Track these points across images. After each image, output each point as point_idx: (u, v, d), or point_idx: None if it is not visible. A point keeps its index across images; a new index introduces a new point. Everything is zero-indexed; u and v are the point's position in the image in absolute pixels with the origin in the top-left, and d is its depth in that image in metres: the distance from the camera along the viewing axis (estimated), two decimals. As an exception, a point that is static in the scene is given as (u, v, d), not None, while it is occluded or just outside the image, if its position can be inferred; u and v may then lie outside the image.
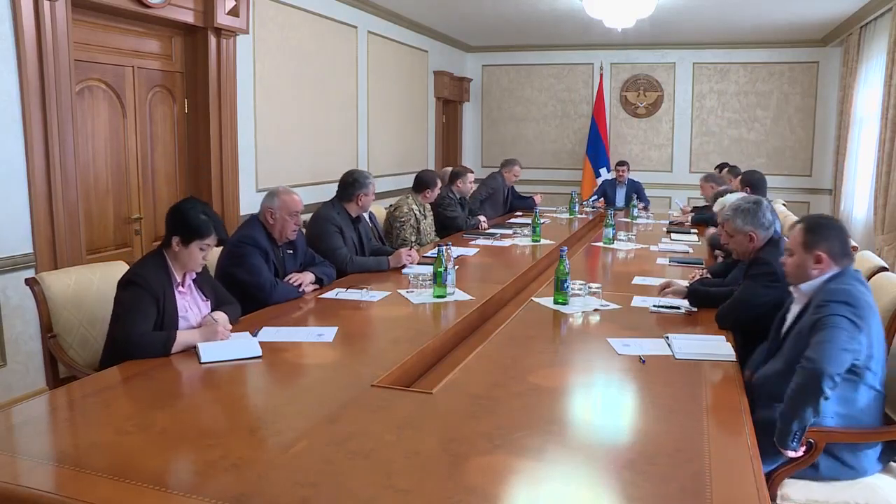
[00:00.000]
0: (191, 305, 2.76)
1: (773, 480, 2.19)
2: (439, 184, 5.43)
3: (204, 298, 2.84)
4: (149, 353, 2.45)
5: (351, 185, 4.27)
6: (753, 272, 3.05)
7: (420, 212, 5.44)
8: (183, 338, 2.53)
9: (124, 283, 2.63)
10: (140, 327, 2.50)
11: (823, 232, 2.45)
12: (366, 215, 4.68)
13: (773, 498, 2.19)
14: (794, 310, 2.51)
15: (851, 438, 2.25)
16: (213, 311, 2.81)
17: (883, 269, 3.20)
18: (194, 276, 2.80)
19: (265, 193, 3.57)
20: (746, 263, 3.18)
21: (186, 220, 2.67)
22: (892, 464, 2.36)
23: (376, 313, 3.23)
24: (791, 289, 2.57)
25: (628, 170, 8.31)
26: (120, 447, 1.79)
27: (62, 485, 1.64)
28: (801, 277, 2.48)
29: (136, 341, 2.46)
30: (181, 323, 2.67)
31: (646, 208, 7.61)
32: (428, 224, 5.59)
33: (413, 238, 5.33)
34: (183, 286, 2.75)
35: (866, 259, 3.41)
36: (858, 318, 2.21)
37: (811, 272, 2.44)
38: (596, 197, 8.26)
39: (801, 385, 2.11)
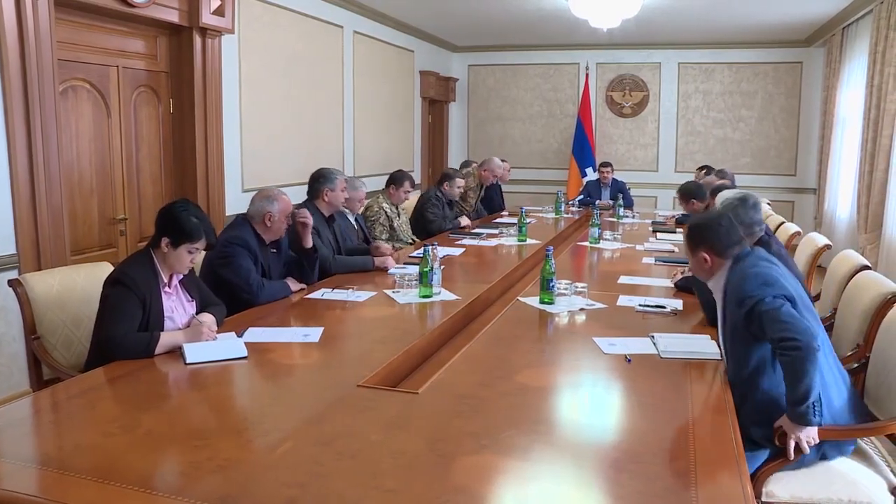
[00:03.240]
0: (177, 306, 2.75)
1: (757, 478, 2.20)
2: (407, 184, 5.40)
3: (189, 299, 2.83)
4: (131, 354, 2.44)
5: (316, 180, 4.22)
6: None
7: (392, 210, 5.44)
8: (166, 339, 2.52)
9: (111, 282, 2.62)
10: (123, 327, 2.50)
11: (699, 234, 2.53)
12: (351, 217, 4.66)
13: (758, 495, 2.21)
14: (720, 308, 2.55)
15: (836, 436, 2.27)
16: (198, 311, 2.80)
17: (866, 267, 3.25)
18: (181, 276, 2.80)
19: (259, 197, 3.49)
20: None
21: (178, 223, 2.66)
22: (860, 443, 2.43)
23: (362, 313, 3.23)
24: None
25: (612, 171, 8.32)
26: (105, 449, 1.78)
27: (46, 488, 1.63)
28: (705, 276, 2.57)
29: (119, 341, 2.45)
30: (167, 323, 2.66)
31: (629, 208, 7.56)
32: (403, 222, 5.59)
33: (385, 237, 5.32)
34: (169, 287, 2.74)
35: (849, 258, 3.45)
36: (781, 289, 2.26)
37: (708, 270, 2.52)
38: (582, 197, 8.27)
39: (796, 365, 2.10)
